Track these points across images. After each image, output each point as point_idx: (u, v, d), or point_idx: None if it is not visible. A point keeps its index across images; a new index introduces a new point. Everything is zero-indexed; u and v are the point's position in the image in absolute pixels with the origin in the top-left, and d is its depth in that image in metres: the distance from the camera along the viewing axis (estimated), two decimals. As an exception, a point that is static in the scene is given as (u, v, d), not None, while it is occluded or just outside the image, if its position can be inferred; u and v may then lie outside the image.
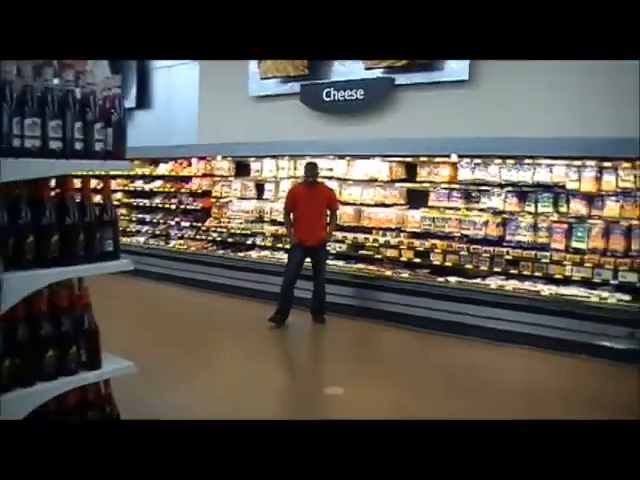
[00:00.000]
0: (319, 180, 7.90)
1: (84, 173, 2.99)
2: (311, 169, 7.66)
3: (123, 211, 11.36)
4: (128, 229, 11.19)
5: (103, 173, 3.05)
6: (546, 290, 6.75)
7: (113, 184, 11.34)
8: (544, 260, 6.92)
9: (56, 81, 2.82)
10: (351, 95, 8.63)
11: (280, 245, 9.08)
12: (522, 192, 7.13)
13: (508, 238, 7.19)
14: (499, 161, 7.22)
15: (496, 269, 7.25)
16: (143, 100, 11.99)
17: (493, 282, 7.13)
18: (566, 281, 6.80)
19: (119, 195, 11.49)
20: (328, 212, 7.64)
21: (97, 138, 2.88)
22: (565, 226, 6.84)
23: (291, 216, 7.70)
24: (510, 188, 7.19)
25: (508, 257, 7.15)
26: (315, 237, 7.46)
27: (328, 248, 8.05)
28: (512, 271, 7.14)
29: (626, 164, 6.41)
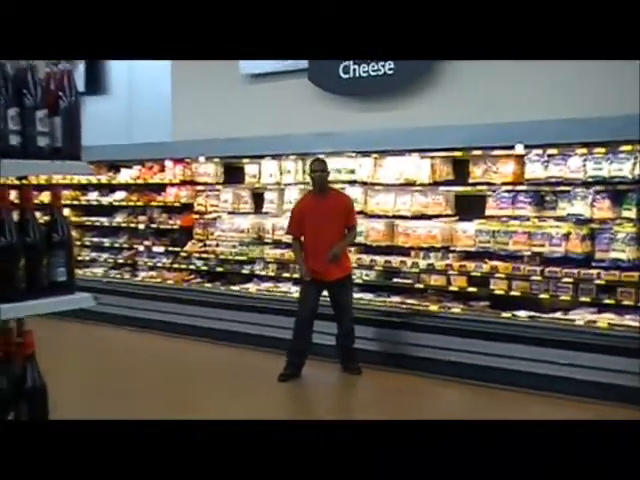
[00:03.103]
0: (333, 186, 7.87)
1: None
2: (319, 166, 7.59)
3: (73, 233, 11.32)
4: (80, 257, 11.22)
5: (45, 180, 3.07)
6: (659, 326, 6.61)
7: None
8: (653, 284, 6.77)
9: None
10: (377, 70, 8.63)
11: (287, 275, 9.08)
12: (617, 191, 7.04)
13: (599, 256, 7.09)
14: (583, 150, 7.13)
15: (583, 299, 7.18)
16: (95, 82, 12.07)
17: (579, 316, 7.06)
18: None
19: (66, 212, 11.43)
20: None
21: (40, 130, 2.87)
22: (685, 235, 6.71)
23: (302, 239, 7.67)
24: (600, 187, 7.09)
25: (600, 282, 7.07)
26: (333, 269, 7.41)
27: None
28: (607, 301, 7.06)
29: None
